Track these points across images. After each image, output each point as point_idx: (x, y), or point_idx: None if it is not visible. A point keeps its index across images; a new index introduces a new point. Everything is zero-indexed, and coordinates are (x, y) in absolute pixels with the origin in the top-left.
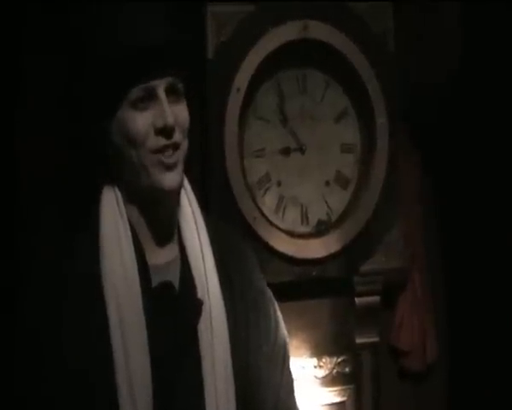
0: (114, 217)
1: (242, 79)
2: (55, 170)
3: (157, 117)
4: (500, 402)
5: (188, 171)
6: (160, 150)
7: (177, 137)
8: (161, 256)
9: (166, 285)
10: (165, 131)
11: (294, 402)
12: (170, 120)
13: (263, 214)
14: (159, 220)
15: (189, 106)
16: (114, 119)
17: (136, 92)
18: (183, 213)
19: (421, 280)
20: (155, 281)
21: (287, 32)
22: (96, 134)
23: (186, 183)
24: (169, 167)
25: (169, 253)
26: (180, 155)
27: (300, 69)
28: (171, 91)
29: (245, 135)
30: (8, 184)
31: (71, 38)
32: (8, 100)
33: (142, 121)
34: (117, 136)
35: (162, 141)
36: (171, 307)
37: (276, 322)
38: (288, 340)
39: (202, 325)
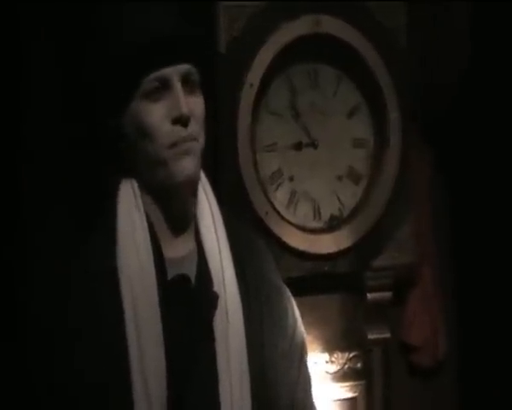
0: (131, 210)
1: (255, 75)
2: (68, 166)
3: (172, 107)
4: (511, 399)
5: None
6: (175, 143)
7: (193, 128)
8: (177, 249)
9: (182, 278)
10: (181, 121)
11: (311, 400)
12: (185, 110)
13: (275, 209)
14: (175, 212)
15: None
16: (128, 111)
17: (149, 82)
18: (200, 206)
19: (432, 276)
20: (171, 274)
21: (299, 27)
22: (108, 127)
23: (203, 176)
24: (184, 155)
25: (185, 246)
26: (196, 146)
27: (313, 64)
28: (185, 82)
29: (257, 130)
30: (20, 181)
31: (84, 30)
32: (17, 96)
33: (156, 112)
34: (130, 128)
35: (178, 132)
36: (187, 300)
37: (294, 319)
38: (305, 337)
39: (218, 319)
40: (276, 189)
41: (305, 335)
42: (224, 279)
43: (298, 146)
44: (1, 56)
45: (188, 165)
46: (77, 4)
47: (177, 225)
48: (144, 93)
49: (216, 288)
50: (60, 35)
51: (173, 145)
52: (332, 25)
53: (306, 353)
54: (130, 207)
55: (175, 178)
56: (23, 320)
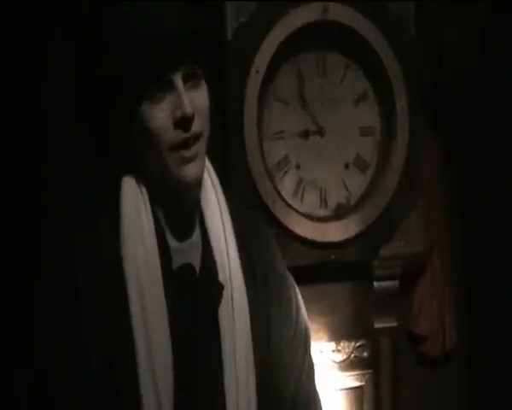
0: (136, 200)
1: (262, 61)
2: (77, 157)
3: (175, 107)
4: None
5: (207, 153)
6: (179, 146)
7: (197, 126)
8: (182, 238)
9: (187, 268)
10: (184, 122)
11: (315, 388)
12: (188, 110)
13: (282, 197)
14: (180, 208)
15: (207, 88)
16: (134, 114)
17: (152, 84)
18: (206, 196)
19: (441, 266)
20: (176, 263)
21: (306, 14)
22: (116, 132)
23: (208, 163)
24: (189, 160)
25: (190, 235)
26: (201, 145)
27: (320, 51)
28: (188, 77)
29: (264, 117)
30: (30, 172)
31: (94, 30)
32: (32, 94)
33: (160, 115)
34: (136, 132)
35: (181, 134)
36: (192, 289)
37: (298, 307)
38: (309, 325)
39: (223, 309)
40: (283, 177)
41: (308, 323)
42: (229, 269)
43: (305, 134)
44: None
45: (192, 170)
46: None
47: (182, 217)
48: (148, 95)
49: (221, 277)
50: (72, 36)
51: (177, 149)
52: (340, 12)
53: (310, 341)
54: (136, 197)
55: (180, 182)
56: (31, 309)
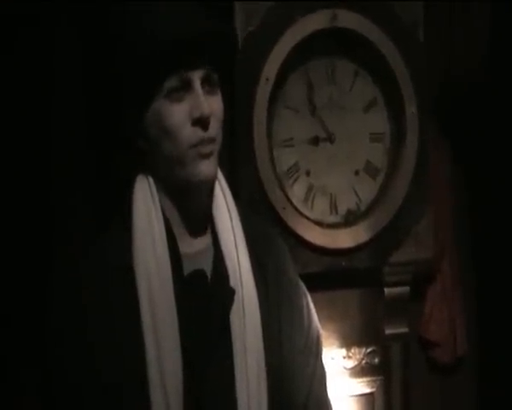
0: (147, 205)
1: (271, 69)
2: (88, 162)
3: (193, 108)
4: None
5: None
6: (196, 145)
7: (213, 129)
8: (193, 244)
9: (199, 274)
10: (202, 122)
11: (326, 395)
12: (206, 111)
13: (292, 204)
14: (192, 210)
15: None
16: (150, 111)
17: (171, 83)
18: (217, 202)
19: (451, 272)
20: (187, 269)
21: (316, 22)
22: (130, 126)
23: (219, 171)
24: (204, 158)
25: (201, 241)
26: (215, 146)
27: (329, 58)
28: (206, 82)
29: (274, 125)
30: (41, 177)
31: (104, 31)
32: (42, 96)
33: (178, 113)
34: (152, 128)
35: (199, 133)
36: (204, 295)
37: (309, 314)
38: (321, 333)
39: (234, 314)
40: (293, 183)
41: (320, 329)
42: (240, 274)
43: (314, 141)
44: (28, 53)
45: (207, 168)
46: (102, 5)
47: (194, 222)
48: (166, 94)
49: (232, 283)
50: (86, 34)
51: (193, 146)
52: (349, 19)
53: (322, 347)
54: (147, 202)
55: (193, 179)
56: (41, 316)
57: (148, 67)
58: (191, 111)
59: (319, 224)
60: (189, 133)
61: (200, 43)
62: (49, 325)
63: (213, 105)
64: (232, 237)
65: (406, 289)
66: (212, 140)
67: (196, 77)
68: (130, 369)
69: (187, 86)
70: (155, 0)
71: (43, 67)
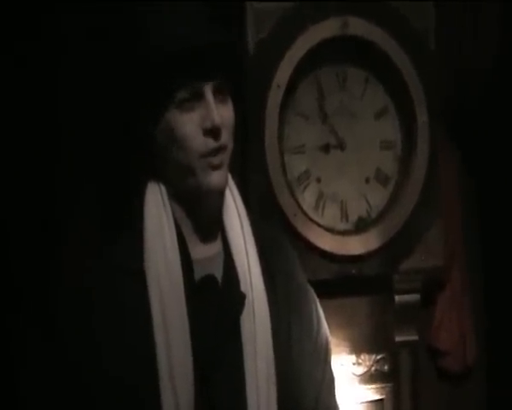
0: (158, 210)
1: (282, 76)
2: (100, 167)
3: (204, 118)
4: None
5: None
6: (207, 154)
7: (224, 138)
8: (204, 250)
9: (209, 279)
10: (213, 132)
11: (335, 401)
12: (217, 121)
13: (303, 211)
14: (203, 216)
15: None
16: (161, 120)
17: (182, 93)
18: (227, 209)
19: (461, 279)
20: (198, 274)
21: (327, 29)
22: (142, 135)
23: (230, 178)
24: (215, 168)
25: (212, 246)
26: (226, 156)
27: (340, 66)
28: (217, 91)
29: (285, 131)
30: (51, 181)
31: (115, 40)
32: (53, 101)
33: (189, 123)
34: (163, 137)
35: (210, 143)
36: (214, 300)
37: (318, 320)
38: (329, 339)
39: (245, 319)
40: (304, 190)
41: (329, 335)
42: (250, 280)
43: (325, 148)
44: (39, 59)
45: (217, 178)
46: (113, 13)
47: (204, 228)
48: (177, 103)
49: (243, 288)
50: (98, 39)
51: (204, 156)
52: (360, 27)
53: (331, 353)
54: (158, 207)
55: (203, 188)
56: (52, 319)
57: (159, 79)
58: (202, 121)
59: (330, 231)
60: (201, 143)
61: (210, 54)
62: (59, 326)
63: (224, 114)
64: (242, 243)
65: (416, 296)
66: (222, 149)
67: (207, 87)
68: (140, 372)
69: (198, 96)
70: (166, 13)
71: (54, 71)
